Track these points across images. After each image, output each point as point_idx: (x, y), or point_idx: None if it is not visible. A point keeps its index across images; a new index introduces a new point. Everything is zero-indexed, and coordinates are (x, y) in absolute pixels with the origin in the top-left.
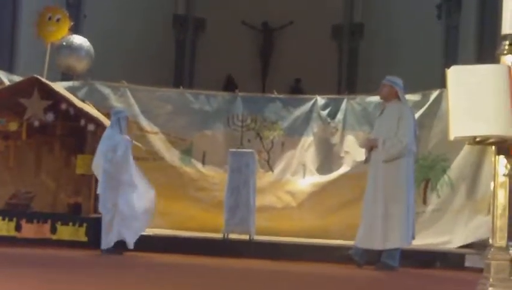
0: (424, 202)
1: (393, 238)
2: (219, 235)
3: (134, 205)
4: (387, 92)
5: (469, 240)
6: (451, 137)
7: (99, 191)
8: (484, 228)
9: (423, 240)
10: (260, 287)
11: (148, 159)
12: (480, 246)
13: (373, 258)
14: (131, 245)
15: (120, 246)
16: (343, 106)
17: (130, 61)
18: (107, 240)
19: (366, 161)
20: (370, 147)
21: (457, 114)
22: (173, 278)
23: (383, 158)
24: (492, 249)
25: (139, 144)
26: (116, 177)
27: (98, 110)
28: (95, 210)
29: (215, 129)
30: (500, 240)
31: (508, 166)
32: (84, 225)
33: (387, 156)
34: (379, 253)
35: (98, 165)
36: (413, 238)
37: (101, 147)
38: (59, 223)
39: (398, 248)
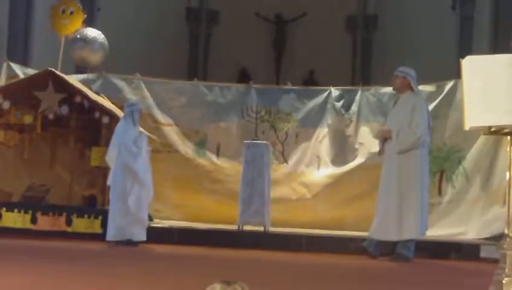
0: (439, 193)
1: (408, 230)
2: (234, 227)
3: (143, 203)
4: (400, 84)
5: (485, 235)
6: (466, 127)
7: (109, 182)
8: (499, 222)
9: (438, 231)
10: (275, 278)
11: (162, 151)
12: (495, 237)
13: (387, 249)
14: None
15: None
16: (358, 97)
17: (144, 54)
18: (117, 233)
19: (380, 152)
20: (384, 138)
21: (472, 104)
22: (188, 269)
23: (396, 149)
24: (508, 240)
25: (154, 136)
26: (133, 171)
27: (113, 103)
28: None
29: (229, 121)
30: None
31: None
32: (99, 217)
33: (401, 147)
34: (393, 244)
35: (112, 157)
36: (427, 229)
37: (116, 140)
38: (74, 215)
39: (413, 239)
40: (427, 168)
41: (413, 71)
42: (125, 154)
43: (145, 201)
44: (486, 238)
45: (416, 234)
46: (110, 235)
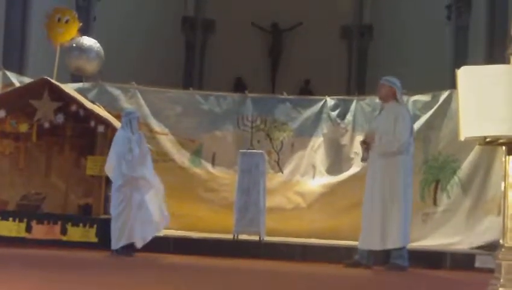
0: (435, 202)
1: (393, 238)
2: (229, 236)
3: (148, 208)
4: (385, 92)
5: (479, 243)
6: (462, 137)
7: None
8: (493, 230)
9: (433, 241)
10: (270, 288)
11: (157, 160)
12: (490, 247)
13: (380, 258)
14: (139, 246)
15: (129, 247)
16: (353, 106)
17: (140, 62)
18: (118, 241)
19: (363, 159)
20: (366, 145)
21: (467, 114)
22: (183, 278)
23: (379, 151)
24: (503, 250)
25: (149, 145)
26: (133, 179)
27: (108, 112)
28: (106, 211)
29: (224, 130)
30: (511, 241)
31: None
32: (95, 226)
33: (383, 149)
34: (386, 253)
35: (111, 166)
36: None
37: (114, 149)
38: (69, 224)
39: (400, 247)
40: (411, 177)
41: (398, 81)
42: (124, 165)
43: (155, 207)
44: (480, 247)
45: (400, 243)
46: (114, 245)
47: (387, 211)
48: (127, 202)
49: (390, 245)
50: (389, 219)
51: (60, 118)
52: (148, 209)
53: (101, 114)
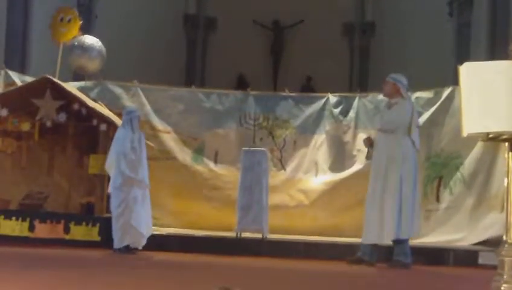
0: (437, 199)
1: (389, 232)
2: (232, 234)
3: (147, 206)
4: (389, 89)
5: (482, 238)
6: (464, 134)
7: (110, 190)
8: (497, 226)
9: (437, 238)
10: (274, 285)
11: (160, 158)
12: (493, 243)
13: (383, 255)
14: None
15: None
16: (355, 104)
17: (142, 61)
18: (120, 240)
19: (368, 156)
20: (371, 142)
21: (470, 111)
22: (187, 276)
23: (379, 127)
24: (506, 246)
25: (151, 144)
26: (134, 180)
27: (110, 110)
28: (108, 210)
29: (227, 128)
30: None
31: None
32: (97, 224)
33: (383, 127)
34: (389, 250)
35: (112, 164)
36: (412, 232)
37: (114, 147)
38: (72, 223)
39: (402, 242)
40: (415, 172)
41: (404, 79)
42: (125, 163)
43: (149, 208)
44: (483, 243)
45: (397, 234)
46: (117, 244)
47: (385, 205)
48: (127, 202)
49: (390, 237)
50: (387, 212)
51: (62, 117)
52: (147, 208)
53: (103, 112)
